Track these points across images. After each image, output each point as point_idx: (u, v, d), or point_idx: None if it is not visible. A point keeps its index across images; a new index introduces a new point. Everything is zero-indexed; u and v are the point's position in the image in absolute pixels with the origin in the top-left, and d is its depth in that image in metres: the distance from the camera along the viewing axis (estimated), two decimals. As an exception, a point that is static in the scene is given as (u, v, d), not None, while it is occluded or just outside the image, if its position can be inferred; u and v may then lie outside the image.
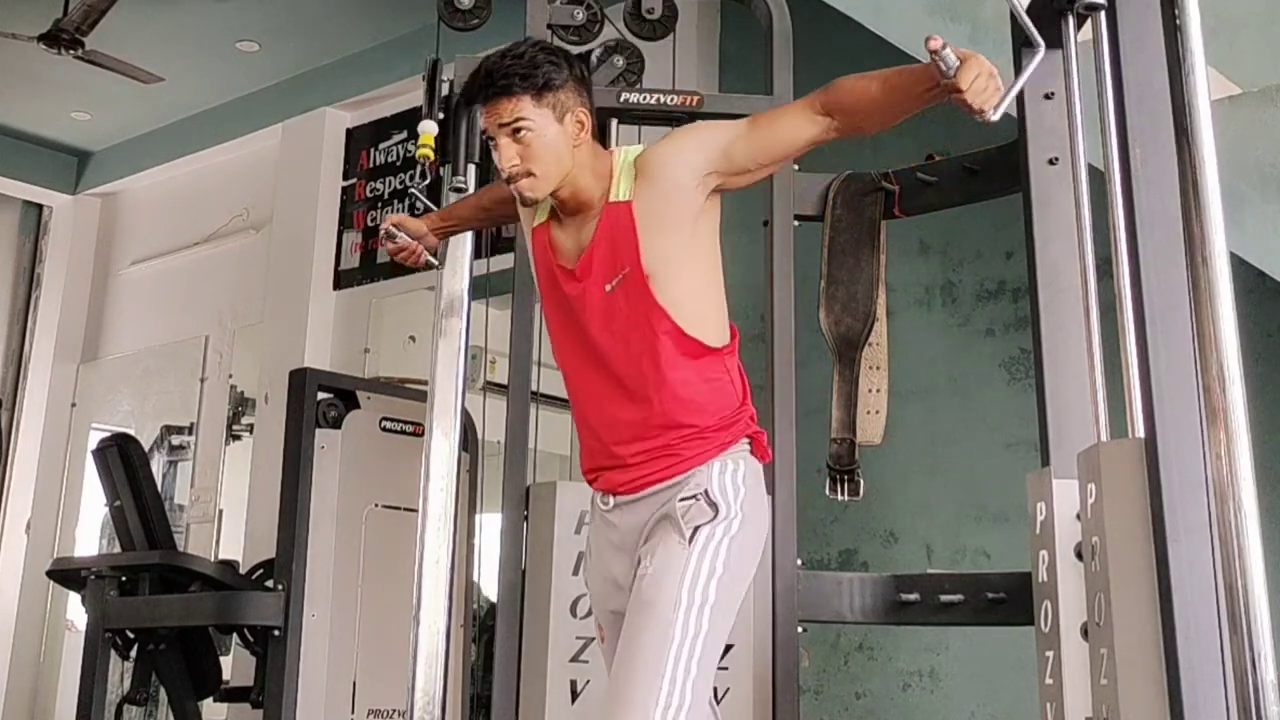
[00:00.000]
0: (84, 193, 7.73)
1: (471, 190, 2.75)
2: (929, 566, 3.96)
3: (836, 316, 2.94)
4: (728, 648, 2.50)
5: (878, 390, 2.94)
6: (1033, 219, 2.59)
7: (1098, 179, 2.23)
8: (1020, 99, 2.66)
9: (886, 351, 2.96)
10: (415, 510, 2.73)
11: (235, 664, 5.09)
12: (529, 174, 1.92)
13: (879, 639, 4.13)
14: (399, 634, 2.75)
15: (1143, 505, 1.85)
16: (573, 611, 2.63)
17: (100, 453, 4.43)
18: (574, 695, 2.62)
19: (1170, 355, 1.87)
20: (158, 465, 6.59)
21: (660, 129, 3.06)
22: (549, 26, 2.98)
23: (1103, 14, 2.15)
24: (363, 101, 6.23)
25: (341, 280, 6.18)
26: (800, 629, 2.64)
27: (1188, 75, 1.97)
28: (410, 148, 5.77)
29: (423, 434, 2.75)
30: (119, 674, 4.78)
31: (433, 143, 2.61)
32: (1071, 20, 2.37)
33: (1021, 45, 2.63)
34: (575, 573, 2.62)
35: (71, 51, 5.38)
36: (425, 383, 2.89)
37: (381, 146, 6.20)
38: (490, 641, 3.66)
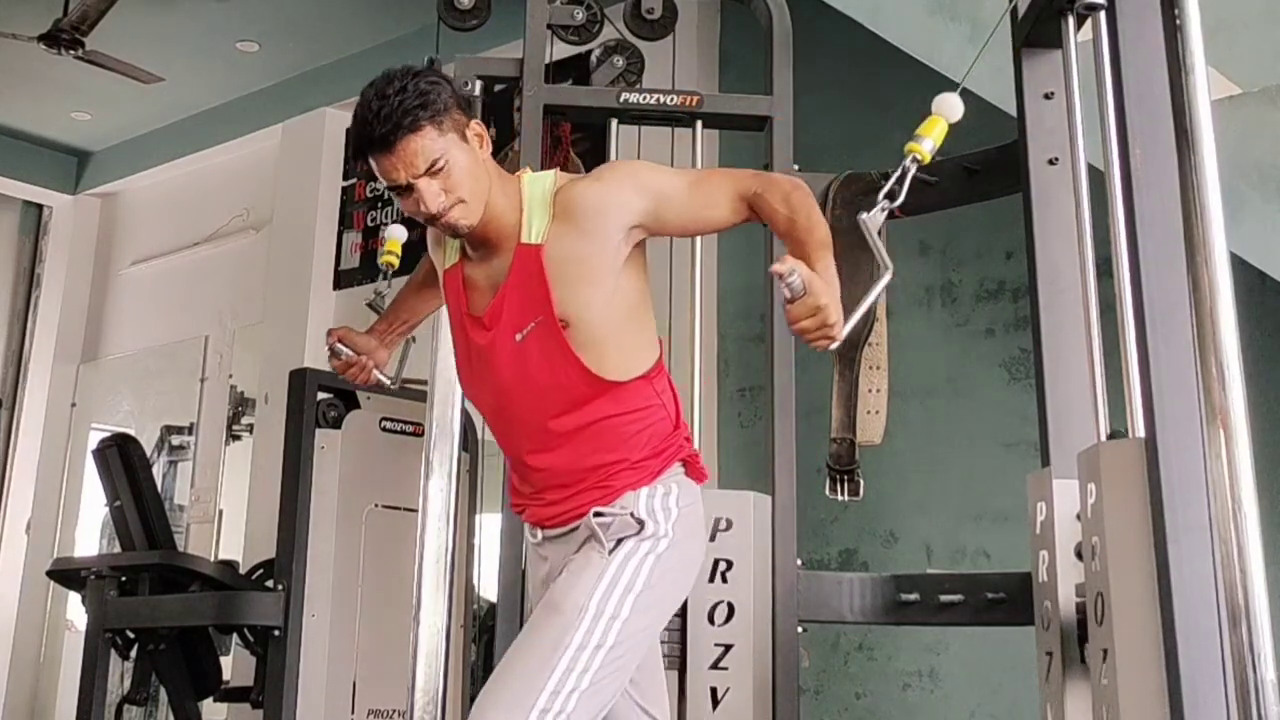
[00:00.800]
0: (84, 193, 7.74)
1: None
2: (929, 566, 3.96)
3: (836, 316, 2.93)
4: (727, 648, 2.51)
5: (878, 390, 2.94)
6: (1033, 219, 2.59)
7: (1098, 179, 2.23)
8: (1020, 99, 2.67)
9: (886, 351, 2.96)
10: (415, 510, 2.73)
11: (235, 664, 5.09)
12: (457, 204, 1.78)
13: (879, 639, 4.13)
14: (399, 634, 2.75)
15: (1143, 505, 1.84)
16: (573, 611, 2.63)
17: (100, 453, 4.43)
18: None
19: (1170, 355, 1.86)
20: (158, 465, 6.59)
21: (660, 129, 3.07)
22: (549, 26, 2.98)
23: (1103, 14, 2.15)
24: (363, 101, 6.22)
25: (341, 280, 6.18)
26: (800, 629, 2.64)
27: (1188, 75, 1.97)
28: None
29: (423, 434, 2.75)
30: (119, 674, 4.79)
31: (399, 250, 2.23)
32: (1071, 20, 2.37)
33: (1021, 45, 2.63)
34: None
35: (71, 51, 5.38)
36: (425, 383, 2.89)
37: (381, 146, 6.19)
38: (490, 641, 3.67)
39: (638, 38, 3.12)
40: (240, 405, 6.64)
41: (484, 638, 4.65)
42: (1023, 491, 2.39)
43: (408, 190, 1.77)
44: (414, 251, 2.32)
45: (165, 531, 4.44)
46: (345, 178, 6.34)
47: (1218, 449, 1.83)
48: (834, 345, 1.66)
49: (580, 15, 3.02)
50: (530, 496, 1.90)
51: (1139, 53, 2.01)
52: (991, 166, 2.86)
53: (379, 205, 6.14)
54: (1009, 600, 2.59)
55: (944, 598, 2.66)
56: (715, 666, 2.51)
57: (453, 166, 1.77)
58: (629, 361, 1.83)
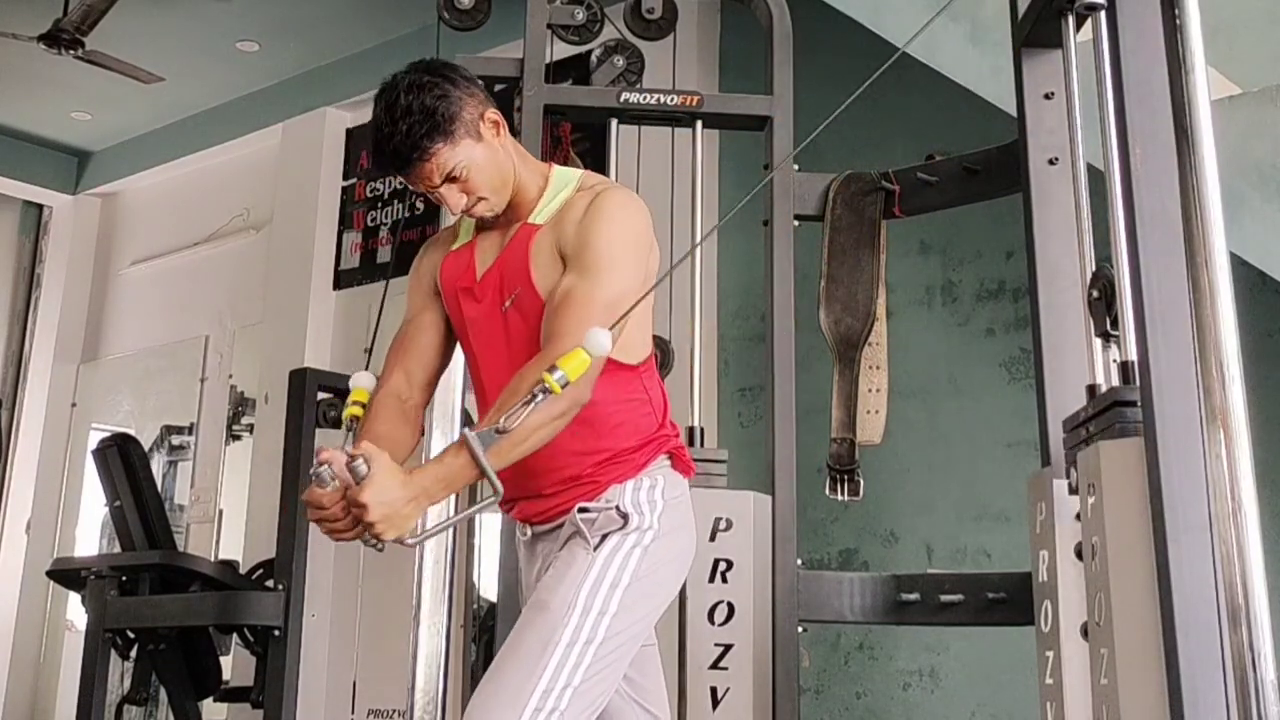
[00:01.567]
0: (84, 193, 7.73)
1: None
2: (929, 566, 3.96)
3: (836, 316, 2.94)
4: (727, 648, 2.51)
5: (878, 390, 2.94)
6: (1033, 219, 2.59)
7: (1098, 179, 2.23)
8: (1020, 99, 2.67)
9: (886, 351, 2.96)
10: (415, 510, 2.72)
11: (235, 664, 5.09)
12: (481, 201, 1.85)
13: (879, 639, 4.13)
14: (399, 634, 2.75)
15: (1143, 505, 1.84)
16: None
17: (100, 453, 4.43)
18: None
19: (1170, 355, 1.86)
20: (158, 465, 6.59)
21: (660, 129, 3.08)
22: (549, 26, 2.98)
23: (1103, 14, 2.15)
24: (363, 101, 6.22)
25: (341, 280, 6.18)
26: (800, 629, 2.64)
27: (1188, 75, 1.97)
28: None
29: (423, 434, 2.75)
30: (119, 674, 4.79)
31: (366, 399, 1.91)
32: (1071, 20, 2.37)
33: (1021, 45, 2.63)
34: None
35: (71, 51, 5.37)
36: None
37: (382, 146, 6.19)
38: (490, 641, 3.67)
39: (638, 38, 3.12)
40: (240, 405, 6.64)
41: (484, 638, 4.65)
42: (1023, 491, 2.39)
43: (433, 194, 1.84)
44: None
45: (165, 531, 4.44)
46: (345, 178, 6.34)
47: (1218, 449, 1.83)
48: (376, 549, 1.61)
49: (580, 15, 3.02)
50: (519, 490, 1.88)
51: (1139, 53, 2.01)
52: (991, 166, 2.86)
53: (379, 205, 6.14)
54: (1009, 600, 2.60)
55: (944, 598, 2.66)
56: (715, 666, 2.51)
57: (471, 170, 1.82)
58: (621, 343, 1.81)
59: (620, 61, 3.12)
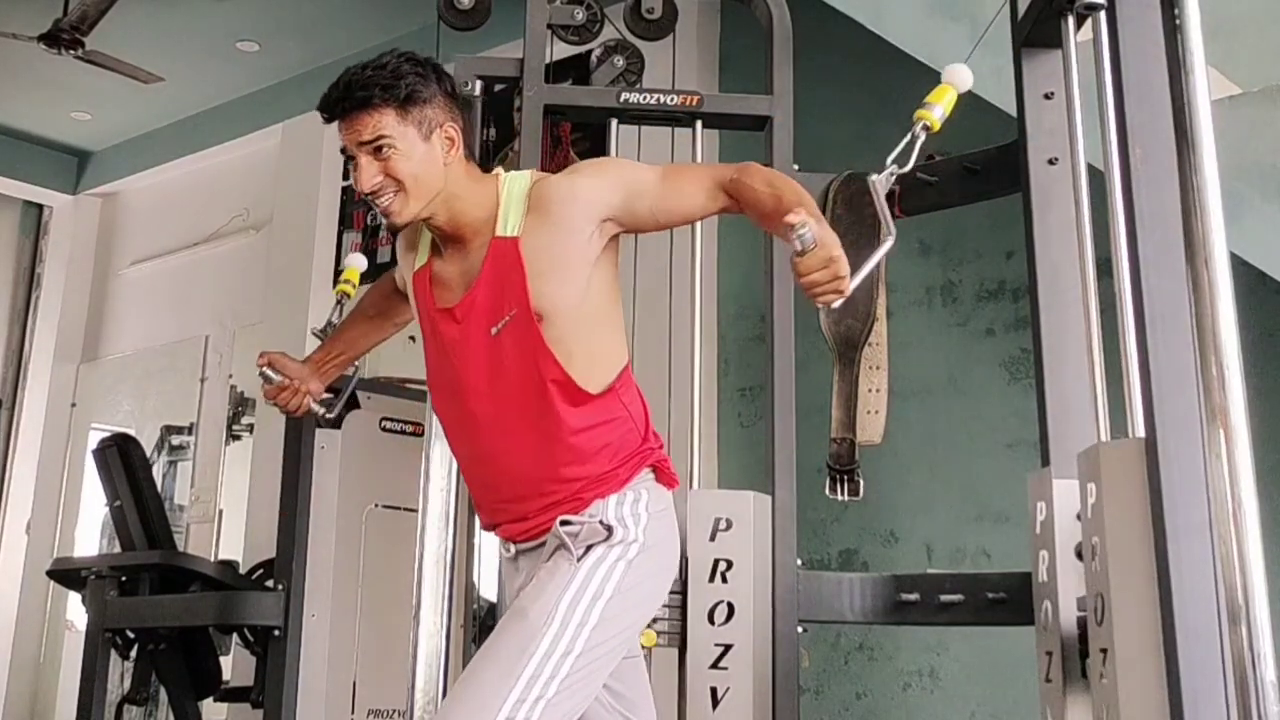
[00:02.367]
0: (84, 193, 7.74)
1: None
2: (929, 566, 3.96)
3: (836, 316, 2.93)
4: (727, 648, 2.50)
5: (878, 390, 2.94)
6: (1033, 219, 2.59)
7: (1098, 179, 2.23)
8: (1020, 99, 2.67)
9: (886, 351, 2.96)
10: (415, 510, 2.73)
11: (235, 664, 5.09)
12: (393, 195, 1.79)
13: (879, 639, 4.13)
14: (399, 634, 2.75)
15: (1143, 505, 1.84)
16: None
17: (100, 453, 4.43)
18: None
19: (1170, 355, 1.86)
20: (158, 465, 6.59)
21: (660, 129, 3.08)
22: (549, 26, 2.98)
23: (1103, 14, 2.15)
24: (363, 101, 6.22)
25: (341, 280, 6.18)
26: (800, 629, 2.64)
27: (1188, 75, 1.97)
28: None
29: (423, 434, 2.75)
30: (119, 674, 4.79)
31: (356, 279, 2.14)
32: (1071, 20, 2.37)
33: (1021, 45, 2.63)
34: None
35: (71, 51, 5.37)
36: (425, 382, 2.89)
37: (381, 146, 6.19)
38: (490, 641, 3.66)
39: (638, 38, 3.12)
40: (240, 405, 6.64)
41: (484, 638, 4.65)
42: (1023, 491, 2.39)
43: (353, 159, 1.81)
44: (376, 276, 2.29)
45: (165, 531, 4.44)
46: (345, 178, 6.33)
47: (1218, 449, 1.83)
48: (838, 302, 1.66)
49: (580, 15, 3.02)
50: (500, 515, 1.88)
51: (1139, 53, 2.00)
52: (991, 166, 2.86)
53: (379, 205, 6.14)
54: (1009, 600, 2.59)
55: (944, 598, 2.66)
56: (715, 666, 2.51)
57: (398, 157, 1.78)
58: (598, 365, 1.82)
59: (620, 61, 3.12)
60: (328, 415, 2.11)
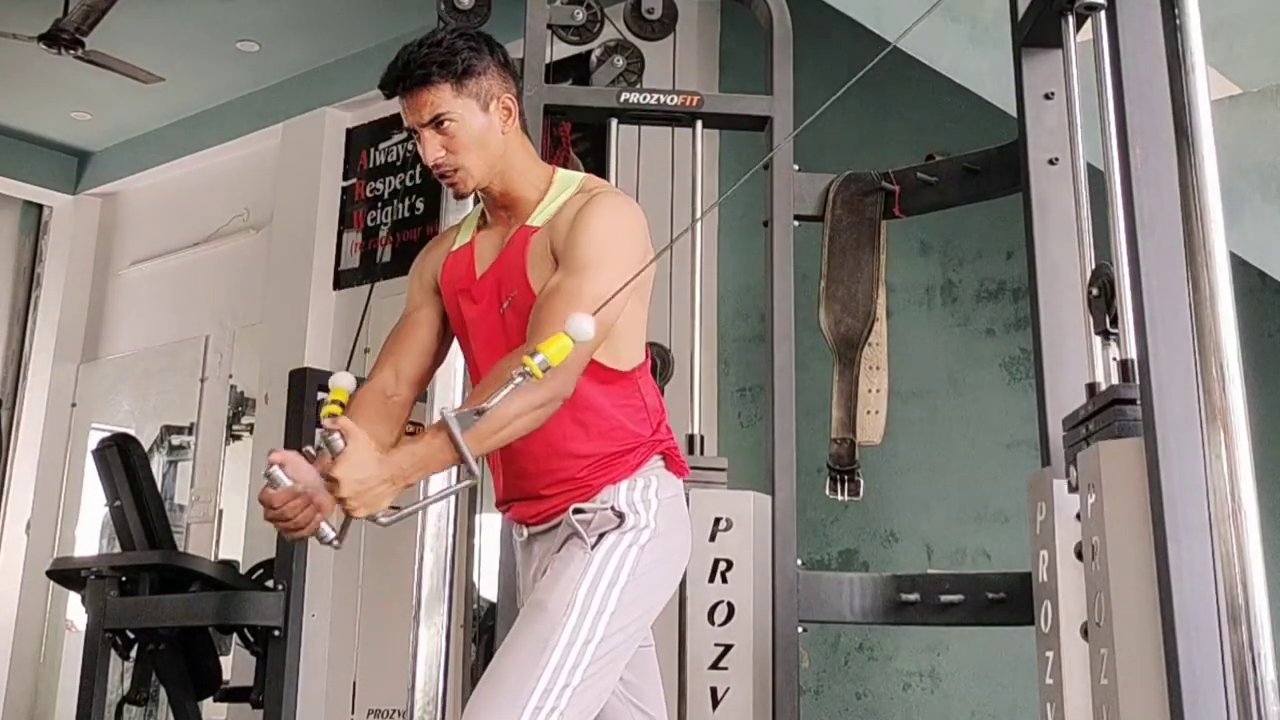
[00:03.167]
0: (84, 193, 7.73)
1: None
2: (929, 566, 3.96)
3: (836, 316, 2.94)
4: (727, 648, 2.51)
5: (878, 390, 2.94)
6: (1033, 219, 2.59)
7: (1098, 179, 2.23)
8: (1020, 99, 2.66)
9: (886, 351, 2.96)
10: (415, 510, 2.72)
11: (235, 664, 5.09)
12: (457, 168, 1.84)
13: (879, 639, 4.13)
14: (399, 634, 2.75)
15: (1143, 505, 1.84)
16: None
17: (100, 453, 4.43)
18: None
19: (1170, 355, 1.86)
20: (158, 465, 6.59)
21: (660, 129, 3.08)
22: (549, 26, 2.98)
23: (1103, 14, 2.15)
24: (363, 101, 6.22)
25: (341, 280, 6.18)
26: (800, 629, 2.64)
27: (1188, 75, 1.97)
28: (411, 147, 5.76)
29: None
30: (119, 674, 4.79)
31: (345, 399, 1.83)
32: (1071, 20, 2.37)
33: (1021, 45, 2.63)
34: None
35: (71, 51, 5.37)
36: (425, 383, 2.88)
37: (381, 146, 6.20)
38: (490, 641, 3.66)
39: (638, 38, 3.12)
40: (240, 405, 6.64)
41: (484, 638, 4.65)
42: (1023, 491, 2.39)
43: (416, 135, 1.85)
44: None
45: (165, 531, 4.44)
46: (345, 178, 6.34)
47: (1218, 449, 1.83)
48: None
49: (580, 15, 3.02)
50: (514, 492, 1.90)
51: (1139, 53, 2.01)
52: (991, 166, 2.86)
53: (379, 205, 6.14)
54: (1009, 600, 2.60)
55: (944, 598, 2.66)
56: (715, 666, 2.51)
57: (459, 130, 1.83)
58: (615, 348, 1.82)
59: (620, 61, 3.12)
60: (338, 542, 1.67)
